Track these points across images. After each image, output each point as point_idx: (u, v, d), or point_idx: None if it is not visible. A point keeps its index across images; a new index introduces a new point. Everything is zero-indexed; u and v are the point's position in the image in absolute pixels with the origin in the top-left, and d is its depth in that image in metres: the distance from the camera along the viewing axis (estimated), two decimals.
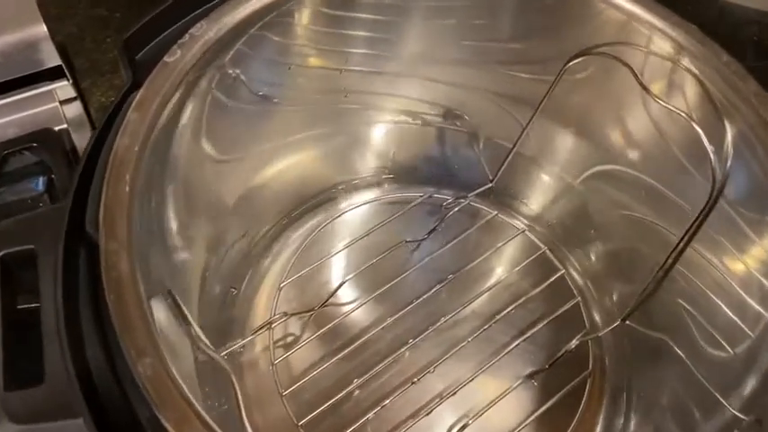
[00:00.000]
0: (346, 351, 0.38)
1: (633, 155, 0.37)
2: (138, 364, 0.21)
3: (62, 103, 0.59)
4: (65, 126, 0.58)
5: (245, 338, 0.38)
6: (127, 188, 0.24)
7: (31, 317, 0.27)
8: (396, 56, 0.39)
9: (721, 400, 0.31)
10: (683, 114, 0.30)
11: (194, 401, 0.20)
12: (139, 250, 0.23)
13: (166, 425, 0.20)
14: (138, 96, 0.27)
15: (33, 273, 0.26)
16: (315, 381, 0.38)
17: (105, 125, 0.28)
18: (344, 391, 0.37)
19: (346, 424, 0.36)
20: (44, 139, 0.56)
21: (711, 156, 0.30)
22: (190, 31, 0.29)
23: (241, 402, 0.28)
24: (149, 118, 0.26)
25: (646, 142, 0.36)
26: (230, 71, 0.32)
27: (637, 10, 0.34)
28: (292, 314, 0.40)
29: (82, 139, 0.58)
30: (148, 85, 0.27)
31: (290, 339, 0.41)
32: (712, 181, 0.30)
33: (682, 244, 0.33)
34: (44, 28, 0.55)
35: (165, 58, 0.28)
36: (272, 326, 0.40)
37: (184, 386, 0.21)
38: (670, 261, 0.34)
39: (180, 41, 0.28)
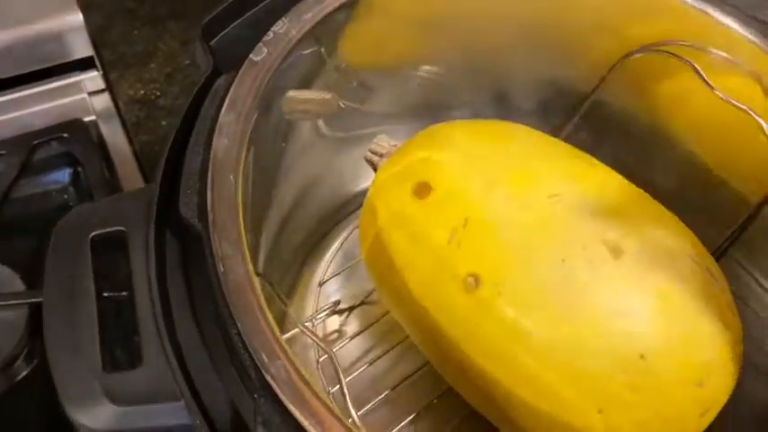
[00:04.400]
0: (395, 346, 0.39)
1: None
2: (270, 368, 0.21)
3: (90, 94, 0.59)
4: (93, 118, 0.58)
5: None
6: (232, 188, 0.25)
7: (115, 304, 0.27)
8: None
9: None
10: (744, 107, 0.32)
11: (329, 402, 0.21)
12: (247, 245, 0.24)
13: (304, 423, 0.20)
14: (228, 97, 0.27)
15: (117, 258, 0.26)
16: (362, 377, 0.38)
17: (189, 111, 0.28)
18: (396, 386, 0.37)
19: (399, 417, 0.36)
20: (74, 130, 0.56)
21: None
22: (273, 28, 0.29)
23: (345, 388, 0.28)
24: (242, 119, 0.27)
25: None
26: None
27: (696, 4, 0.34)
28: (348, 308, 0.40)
29: (110, 131, 0.58)
30: (238, 84, 0.28)
31: (332, 336, 0.42)
32: None
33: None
34: (80, 17, 0.54)
35: (252, 57, 0.28)
36: (315, 323, 0.40)
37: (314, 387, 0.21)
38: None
39: (264, 39, 0.29)
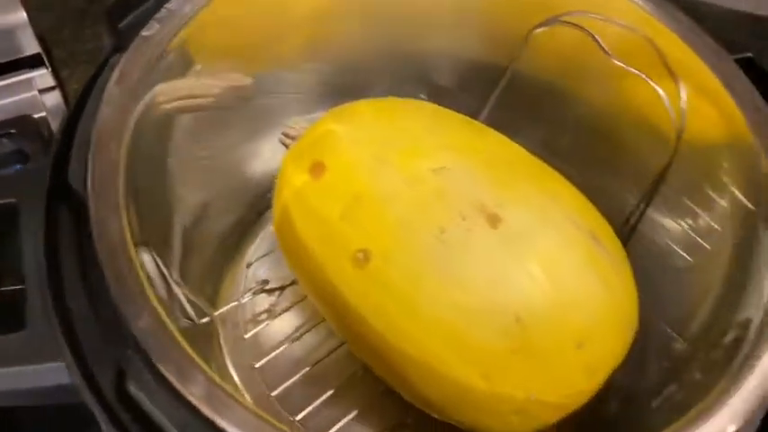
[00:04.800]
0: (317, 324, 0.40)
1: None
2: (135, 319, 0.22)
3: (41, 91, 0.60)
4: (44, 114, 0.59)
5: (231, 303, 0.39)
6: (112, 154, 0.26)
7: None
8: None
9: None
10: (642, 75, 0.33)
11: (192, 353, 0.22)
12: (126, 211, 0.25)
13: (167, 375, 0.22)
14: (117, 70, 0.28)
15: (12, 230, 0.27)
16: (286, 353, 0.39)
17: (86, 88, 0.29)
18: (317, 363, 0.38)
19: (317, 393, 0.37)
20: (23, 126, 0.57)
21: (669, 109, 0.33)
22: (166, 5, 0.30)
23: (225, 352, 0.29)
24: (128, 91, 0.28)
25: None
26: None
27: None
28: (275, 288, 0.42)
29: None
30: (127, 57, 0.29)
31: (260, 316, 0.43)
32: (675, 132, 0.33)
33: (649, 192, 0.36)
34: (24, 15, 0.56)
35: (143, 32, 0.29)
36: (241, 301, 0.41)
37: (181, 340, 0.22)
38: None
39: (157, 15, 0.30)
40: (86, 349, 0.25)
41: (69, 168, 0.27)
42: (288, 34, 0.38)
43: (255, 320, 0.42)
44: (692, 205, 0.37)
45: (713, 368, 0.28)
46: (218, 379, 0.22)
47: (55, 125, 0.59)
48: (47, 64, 0.59)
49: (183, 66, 0.32)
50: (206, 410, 0.22)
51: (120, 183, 0.26)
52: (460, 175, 0.31)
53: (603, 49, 0.36)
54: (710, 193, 0.35)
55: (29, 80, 0.60)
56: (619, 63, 0.35)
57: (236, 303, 0.40)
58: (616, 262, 0.32)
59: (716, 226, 0.35)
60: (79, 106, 0.29)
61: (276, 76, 0.39)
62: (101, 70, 0.30)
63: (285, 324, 0.42)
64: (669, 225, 0.38)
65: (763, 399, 0.25)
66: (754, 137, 0.31)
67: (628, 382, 0.33)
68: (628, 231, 0.37)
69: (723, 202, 0.35)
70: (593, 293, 0.30)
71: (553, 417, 0.31)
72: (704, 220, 0.36)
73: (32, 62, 0.60)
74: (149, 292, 0.23)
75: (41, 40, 0.60)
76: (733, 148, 0.34)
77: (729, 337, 0.30)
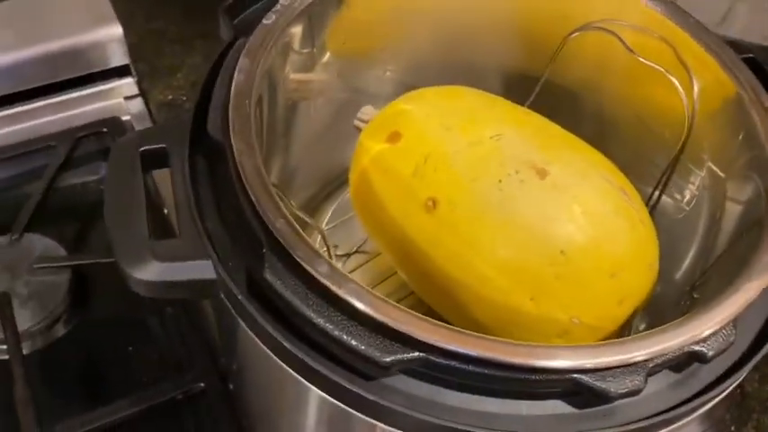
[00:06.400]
0: (384, 280, 0.46)
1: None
2: (273, 222, 0.30)
3: (126, 98, 0.69)
4: (128, 118, 0.68)
5: None
6: (246, 109, 0.33)
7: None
8: None
9: None
10: (662, 69, 0.40)
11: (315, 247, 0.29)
12: (258, 149, 0.32)
13: (300, 260, 0.28)
14: (246, 48, 0.36)
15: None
16: None
17: (215, 65, 0.37)
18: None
19: None
20: (113, 126, 0.65)
21: (684, 98, 0.40)
22: (280, 2, 0.38)
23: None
24: (254, 63, 0.35)
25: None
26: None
27: None
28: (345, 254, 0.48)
29: None
30: (252, 40, 0.36)
31: None
32: (687, 119, 0.40)
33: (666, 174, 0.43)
34: (120, 30, 0.64)
35: (264, 21, 0.37)
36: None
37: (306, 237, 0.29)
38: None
39: (274, 9, 0.38)
40: (220, 252, 0.32)
41: (208, 120, 0.34)
42: (378, 42, 0.46)
43: None
44: (677, 179, 0.44)
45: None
46: (335, 264, 0.29)
47: (138, 127, 0.67)
48: (134, 74, 0.68)
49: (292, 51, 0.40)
50: (332, 286, 0.28)
51: (252, 129, 0.33)
52: (513, 140, 0.38)
53: (629, 48, 0.43)
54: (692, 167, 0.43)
55: (117, 88, 0.68)
56: (641, 59, 0.42)
57: None
58: (641, 213, 0.38)
59: (695, 192, 0.42)
60: (210, 79, 0.36)
61: (361, 75, 0.47)
62: (227, 51, 0.37)
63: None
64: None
65: None
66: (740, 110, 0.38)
67: None
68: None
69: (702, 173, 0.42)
70: (624, 234, 0.37)
71: (591, 340, 0.37)
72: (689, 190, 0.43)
73: (120, 72, 0.68)
74: (280, 203, 0.30)
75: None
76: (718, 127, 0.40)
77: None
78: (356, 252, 0.50)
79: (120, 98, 0.68)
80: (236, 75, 0.34)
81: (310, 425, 0.34)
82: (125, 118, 0.67)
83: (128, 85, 0.68)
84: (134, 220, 0.32)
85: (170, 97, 0.69)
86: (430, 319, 0.28)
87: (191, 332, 0.54)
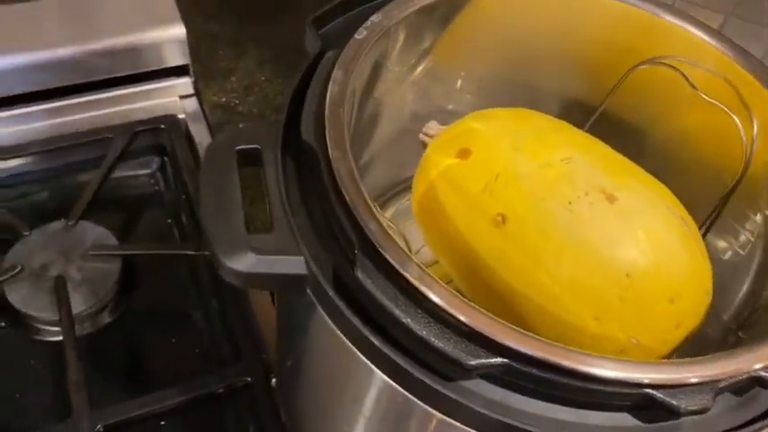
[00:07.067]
0: None
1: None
2: (367, 224, 0.31)
3: (182, 98, 0.71)
4: (183, 117, 0.70)
5: None
6: (340, 117, 0.35)
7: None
8: None
9: None
10: (724, 107, 0.42)
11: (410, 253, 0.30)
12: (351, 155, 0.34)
13: (392, 261, 0.30)
14: (339, 59, 0.38)
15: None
16: None
17: (305, 74, 0.39)
18: None
19: None
20: (170, 124, 0.67)
21: (744, 137, 0.42)
22: (371, 18, 0.40)
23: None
24: (346, 75, 0.37)
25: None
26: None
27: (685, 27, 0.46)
28: None
29: (197, 129, 0.69)
30: (346, 51, 0.38)
31: None
32: (745, 157, 0.42)
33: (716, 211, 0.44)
34: (183, 30, 0.67)
35: (356, 36, 0.39)
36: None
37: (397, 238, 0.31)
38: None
39: (365, 25, 0.40)
40: (310, 251, 0.33)
41: (302, 127, 0.36)
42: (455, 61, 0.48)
43: None
44: (732, 222, 0.45)
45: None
46: (424, 267, 0.31)
47: (192, 126, 0.69)
48: (191, 74, 0.70)
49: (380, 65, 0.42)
50: (422, 287, 0.30)
51: (346, 137, 0.35)
52: (582, 164, 0.40)
53: (692, 84, 0.45)
54: (748, 212, 0.44)
55: (174, 86, 0.71)
56: (705, 97, 0.44)
57: None
58: (699, 243, 0.40)
59: (750, 238, 0.44)
60: (299, 88, 0.38)
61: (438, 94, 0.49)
62: (312, 66, 0.39)
63: None
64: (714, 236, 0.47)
65: None
66: None
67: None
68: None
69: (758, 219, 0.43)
70: (684, 262, 0.38)
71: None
72: (744, 234, 0.44)
73: (177, 72, 0.71)
74: (373, 208, 0.32)
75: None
76: None
77: None
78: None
79: (176, 96, 0.70)
80: (330, 85, 0.36)
81: (374, 420, 0.36)
82: (180, 116, 0.69)
83: (184, 84, 0.70)
84: (231, 213, 0.34)
85: (223, 99, 0.71)
86: (514, 326, 0.30)
87: (237, 326, 0.56)
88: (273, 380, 0.54)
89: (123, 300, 0.60)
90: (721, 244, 0.47)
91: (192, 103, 0.70)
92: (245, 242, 0.33)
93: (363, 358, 0.32)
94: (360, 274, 0.31)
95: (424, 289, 0.30)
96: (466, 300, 0.30)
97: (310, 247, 0.33)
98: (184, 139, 0.66)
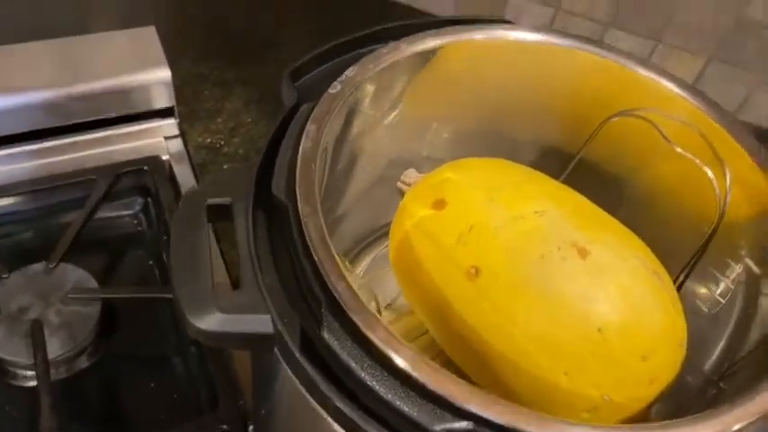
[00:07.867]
0: (415, 339, 0.48)
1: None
2: (335, 285, 0.31)
3: (166, 138, 0.71)
4: (167, 158, 0.70)
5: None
6: (312, 173, 0.35)
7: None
8: None
9: None
10: (696, 160, 0.42)
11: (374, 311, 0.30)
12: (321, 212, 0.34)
13: (358, 323, 0.30)
14: (313, 113, 0.38)
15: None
16: None
17: (279, 128, 0.39)
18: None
19: None
20: (153, 165, 0.67)
21: (717, 188, 0.42)
22: (345, 72, 0.40)
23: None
24: (319, 130, 0.38)
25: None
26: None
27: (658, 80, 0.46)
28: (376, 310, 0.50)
29: (181, 170, 0.69)
30: (319, 107, 0.39)
31: None
32: (719, 208, 0.42)
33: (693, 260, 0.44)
34: (169, 73, 0.67)
35: (330, 90, 0.39)
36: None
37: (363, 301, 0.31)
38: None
39: (339, 79, 0.40)
40: (277, 309, 0.33)
41: (273, 182, 0.36)
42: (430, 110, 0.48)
43: None
44: (713, 270, 0.45)
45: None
46: (392, 330, 0.31)
47: (176, 167, 0.69)
48: (176, 116, 0.70)
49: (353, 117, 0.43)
50: (388, 352, 0.30)
51: (316, 193, 0.35)
52: (555, 217, 0.40)
53: (665, 137, 0.45)
54: (728, 260, 0.44)
55: (158, 128, 0.71)
56: (677, 149, 0.45)
57: None
58: (672, 296, 0.40)
59: (731, 286, 0.44)
60: (274, 140, 0.38)
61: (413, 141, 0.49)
62: (291, 115, 0.39)
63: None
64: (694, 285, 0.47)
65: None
66: None
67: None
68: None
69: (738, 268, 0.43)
70: (657, 317, 0.38)
71: (617, 418, 0.39)
72: (724, 282, 0.45)
73: (163, 113, 0.71)
74: (342, 268, 0.32)
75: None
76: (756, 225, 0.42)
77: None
78: (387, 307, 0.51)
79: (161, 137, 0.71)
80: (303, 140, 0.36)
81: None
82: (164, 157, 0.69)
83: (169, 125, 0.71)
84: (199, 270, 0.33)
85: (208, 140, 0.71)
86: (481, 389, 0.30)
87: (215, 372, 0.56)
88: (251, 427, 0.53)
89: (102, 343, 0.60)
90: (702, 291, 0.47)
91: (176, 144, 0.70)
92: (212, 300, 0.32)
93: (329, 419, 0.32)
94: (326, 335, 0.31)
95: (389, 352, 0.30)
96: (431, 362, 0.30)
97: (277, 305, 0.33)
98: (168, 180, 0.66)
